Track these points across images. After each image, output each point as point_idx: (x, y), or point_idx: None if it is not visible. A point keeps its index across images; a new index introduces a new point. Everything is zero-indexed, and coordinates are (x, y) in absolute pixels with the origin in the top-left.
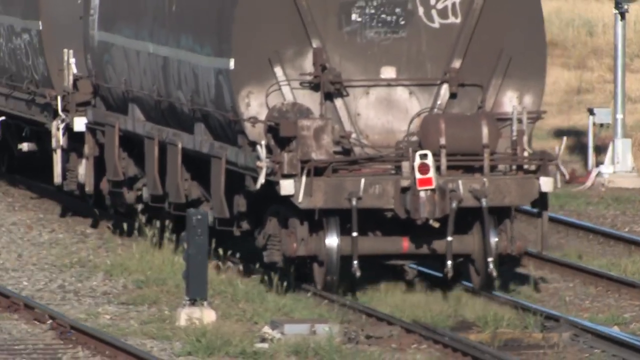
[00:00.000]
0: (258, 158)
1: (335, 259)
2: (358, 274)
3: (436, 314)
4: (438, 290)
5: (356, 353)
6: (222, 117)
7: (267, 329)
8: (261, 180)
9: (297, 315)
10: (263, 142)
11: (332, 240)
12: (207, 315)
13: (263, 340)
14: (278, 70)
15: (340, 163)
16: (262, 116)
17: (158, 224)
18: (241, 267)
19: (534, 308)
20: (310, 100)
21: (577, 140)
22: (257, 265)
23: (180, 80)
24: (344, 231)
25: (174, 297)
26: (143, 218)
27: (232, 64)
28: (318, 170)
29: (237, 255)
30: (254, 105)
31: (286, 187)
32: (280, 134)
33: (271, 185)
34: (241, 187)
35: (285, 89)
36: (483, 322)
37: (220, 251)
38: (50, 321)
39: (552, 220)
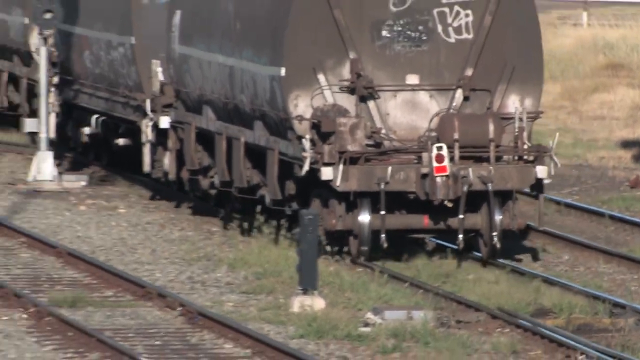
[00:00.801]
0: (303, 149)
1: (367, 233)
2: (385, 245)
3: (518, 301)
4: (519, 281)
5: (448, 336)
6: (276, 116)
7: (369, 315)
8: (306, 167)
9: (396, 303)
10: (308, 136)
11: (364, 217)
12: (317, 303)
13: (366, 325)
14: (321, 77)
15: (371, 154)
16: (308, 115)
17: (275, 222)
18: (347, 261)
19: (604, 297)
20: (348, 102)
21: None
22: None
23: (243, 85)
24: (374, 210)
25: (288, 287)
26: (261, 218)
27: (283, 71)
28: (353, 160)
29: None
30: (301, 106)
31: (326, 173)
32: (322, 130)
33: (314, 172)
34: (291, 174)
35: (327, 93)
36: (558, 309)
37: (329, 248)
38: (180, 308)
39: (618, 219)
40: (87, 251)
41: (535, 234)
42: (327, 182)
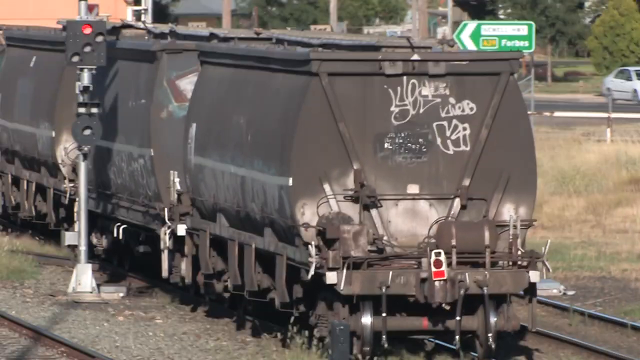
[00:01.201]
0: (310, 255)
1: (369, 334)
2: (386, 345)
3: None
4: None
5: None
6: (284, 223)
7: None
8: (312, 272)
9: None
10: (313, 243)
11: (367, 319)
12: None
13: None
14: (326, 187)
15: (373, 259)
16: (314, 222)
17: (307, 333)
18: None
19: None
20: (352, 210)
21: None
22: None
23: (254, 194)
24: (376, 312)
25: None
26: (294, 328)
27: (290, 181)
28: (356, 265)
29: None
30: (308, 214)
31: (331, 277)
32: (327, 236)
33: (320, 276)
34: (298, 278)
35: (332, 201)
36: None
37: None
38: None
39: None
40: None
41: (554, 343)
42: (332, 285)
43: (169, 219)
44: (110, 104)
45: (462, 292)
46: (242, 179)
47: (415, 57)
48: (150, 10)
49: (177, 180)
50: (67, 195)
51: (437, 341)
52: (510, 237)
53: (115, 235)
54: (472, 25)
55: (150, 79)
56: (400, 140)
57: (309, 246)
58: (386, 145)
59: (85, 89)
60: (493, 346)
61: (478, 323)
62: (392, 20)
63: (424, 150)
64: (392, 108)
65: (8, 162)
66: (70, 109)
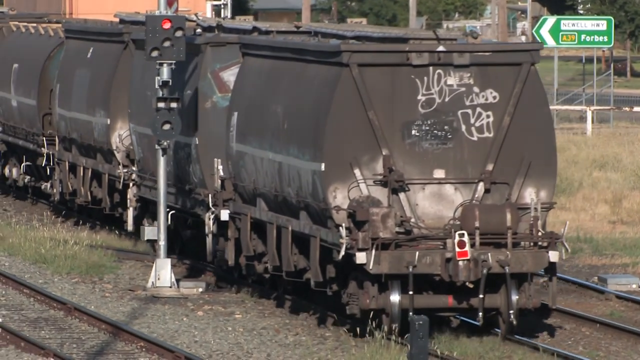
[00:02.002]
0: (341, 236)
1: (397, 311)
2: None
3: None
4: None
5: None
6: (317, 207)
7: None
8: (342, 252)
9: None
10: (344, 225)
11: (395, 297)
12: None
13: None
14: (357, 172)
15: (401, 240)
16: (345, 206)
17: (386, 328)
18: None
19: None
20: (381, 193)
21: None
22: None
23: (290, 179)
24: (404, 290)
25: None
26: (373, 323)
27: (323, 167)
28: (384, 245)
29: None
30: (339, 198)
31: (361, 257)
32: (357, 219)
33: (350, 257)
34: (331, 259)
35: (362, 186)
36: None
37: (439, 351)
38: None
39: None
40: (204, 355)
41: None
42: (362, 265)
43: (213, 205)
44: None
45: (484, 271)
46: (279, 165)
47: (441, 48)
48: (229, 5)
49: (220, 167)
50: (121, 180)
51: (462, 318)
52: (532, 219)
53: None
54: (551, 20)
55: (195, 71)
56: (427, 128)
57: (340, 228)
58: (413, 132)
59: (164, 84)
60: (515, 323)
61: (500, 301)
62: (472, 15)
63: (450, 136)
64: (419, 97)
65: (65, 150)
66: (124, 98)
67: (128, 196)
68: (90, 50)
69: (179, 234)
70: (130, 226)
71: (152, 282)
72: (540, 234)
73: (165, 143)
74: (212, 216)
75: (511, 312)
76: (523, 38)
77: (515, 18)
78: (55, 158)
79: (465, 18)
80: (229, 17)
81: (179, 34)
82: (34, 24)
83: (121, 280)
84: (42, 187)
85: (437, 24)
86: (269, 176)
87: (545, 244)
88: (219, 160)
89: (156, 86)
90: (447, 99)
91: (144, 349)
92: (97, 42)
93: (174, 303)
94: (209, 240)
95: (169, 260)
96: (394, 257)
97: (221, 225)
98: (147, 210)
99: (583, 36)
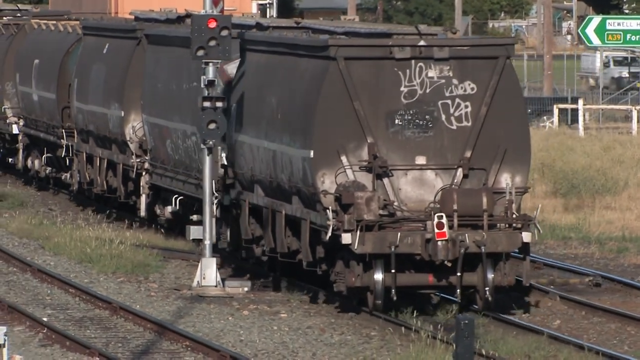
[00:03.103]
0: (328, 219)
1: (381, 289)
2: (395, 298)
3: None
4: None
5: None
6: (307, 191)
7: None
8: (329, 233)
9: None
10: (331, 208)
11: (378, 276)
12: None
13: None
14: (343, 158)
15: (384, 222)
16: (332, 190)
17: (431, 327)
18: None
19: None
20: (366, 179)
21: None
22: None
23: (283, 166)
24: (387, 269)
25: None
26: (418, 322)
27: (312, 154)
28: (368, 227)
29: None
30: (327, 182)
31: (346, 238)
32: (343, 202)
33: (337, 237)
34: (320, 240)
35: (348, 171)
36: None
37: (484, 351)
38: None
39: None
40: (250, 355)
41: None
42: (347, 245)
43: (216, 190)
44: (167, 86)
45: (462, 250)
46: (273, 153)
47: (422, 43)
48: (275, 5)
49: (223, 155)
50: (134, 169)
51: (442, 295)
52: (507, 202)
53: (173, 206)
54: (596, 19)
55: (201, 64)
56: (409, 117)
57: (327, 211)
58: (396, 121)
59: (210, 83)
60: (490, 299)
61: (477, 279)
62: (517, 14)
63: (430, 125)
64: (402, 88)
65: (83, 142)
66: (137, 91)
67: (141, 184)
68: (106, 46)
69: (186, 218)
70: (143, 212)
71: (198, 282)
72: (514, 216)
73: (210, 142)
74: (215, 201)
75: (487, 289)
76: (569, 37)
77: (561, 17)
78: (74, 149)
79: (510, 17)
80: (274, 16)
81: (224, 33)
82: (54, 22)
83: (167, 280)
84: (62, 177)
85: (483, 23)
86: (265, 164)
87: (519, 226)
88: (224, 148)
89: (202, 85)
90: (428, 90)
91: (189, 348)
92: (112, 38)
93: (219, 302)
94: (213, 224)
95: (214, 260)
96: (377, 237)
97: (224, 210)
98: (158, 196)
99: (628, 35)
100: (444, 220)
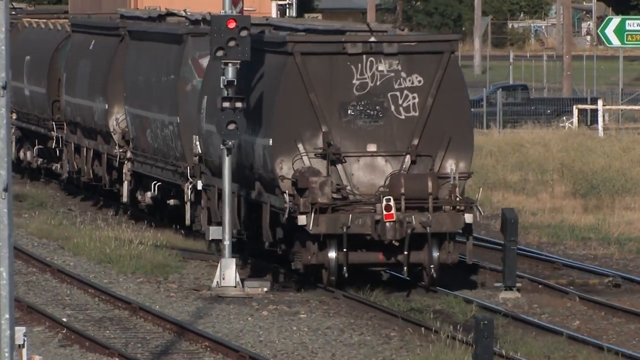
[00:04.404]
0: (285, 201)
1: (334, 266)
2: (346, 275)
3: None
4: None
5: None
6: (267, 177)
7: None
8: (286, 215)
9: None
10: (288, 192)
11: (332, 254)
12: None
13: None
14: (300, 146)
15: (336, 205)
16: (290, 175)
17: (451, 328)
18: None
19: None
20: (321, 165)
21: None
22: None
23: (247, 154)
24: (340, 248)
25: None
26: (437, 322)
27: (271, 142)
28: (322, 209)
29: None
30: (285, 169)
31: (301, 219)
32: (299, 186)
33: (293, 219)
34: (279, 222)
35: (305, 158)
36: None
37: (504, 351)
38: None
39: None
40: (269, 355)
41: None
42: (303, 226)
43: (191, 176)
44: (148, 79)
45: (409, 231)
46: (237, 142)
47: (373, 39)
48: (294, 5)
49: (197, 143)
50: (117, 159)
51: (391, 272)
52: (451, 186)
53: (152, 191)
54: (616, 20)
55: (177, 58)
56: (361, 108)
57: (285, 194)
58: (349, 111)
59: (229, 83)
60: (435, 276)
61: (424, 257)
62: (537, 15)
63: (381, 115)
64: (354, 81)
65: (72, 133)
66: (120, 85)
67: (123, 171)
68: (92, 43)
69: (164, 203)
70: (125, 198)
71: (217, 282)
72: (458, 199)
73: (230, 143)
74: (190, 186)
75: (432, 266)
76: (588, 38)
77: (580, 18)
78: (63, 140)
79: (530, 18)
80: (294, 16)
81: (244, 33)
82: (44, 20)
83: (186, 280)
84: (53, 168)
85: (502, 23)
86: (232, 152)
87: (462, 208)
88: (197, 137)
89: (221, 86)
90: (378, 83)
91: (208, 349)
92: (98, 35)
93: (238, 303)
94: (187, 207)
95: (233, 260)
96: (330, 219)
97: (198, 194)
98: (140, 183)
99: None
100: (392, 203)
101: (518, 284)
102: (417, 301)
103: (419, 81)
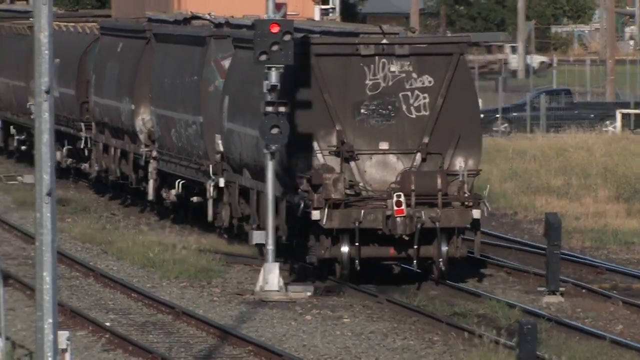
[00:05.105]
0: (300, 197)
1: (347, 260)
2: (358, 268)
3: None
4: None
5: None
6: (284, 173)
7: None
8: (301, 211)
9: None
10: (302, 187)
11: (345, 248)
12: None
13: None
14: (315, 144)
15: (349, 200)
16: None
17: (495, 332)
18: None
19: None
20: (335, 162)
21: None
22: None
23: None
24: (352, 242)
25: None
26: (481, 327)
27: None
28: (335, 205)
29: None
30: (300, 166)
31: (315, 214)
32: (313, 183)
33: (308, 214)
34: (295, 217)
35: (319, 155)
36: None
37: (547, 355)
38: None
39: None
40: (312, 359)
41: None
42: (317, 221)
43: (213, 174)
44: (172, 80)
45: (418, 226)
46: (257, 140)
47: (385, 41)
48: (337, 9)
49: (219, 142)
50: (144, 158)
51: (403, 265)
52: (460, 183)
53: (176, 189)
54: None
55: (200, 60)
56: (373, 107)
57: (299, 190)
58: (362, 111)
59: (272, 88)
60: (444, 269)
61: (433, 251)
62: (580, 19)
63: (392, 115)
64: (367, 81)
65: (100, 133)
66: (146, 86)
67: (149, 170)
68: (120, 45)
69: (188, 201)
70: (150, 196)
71: (260, 286)
72: (466, 195)
73: (273, 147)
74: (212, 183)
75: (441, 260)
76: (631, 42)
77: (624, 22)
78: (92, 140)
79: (573, 22)
80: (337, 21)
81: (287, 37)
82: (73, 24)
83: (229, 284)
84: (82, 167)
85: (546, 28)
86: (250, 149)
87: (470, 204)
88: (219, 136)
89: (264, 90)
90: (390, 83)
91: (252, 353)
92: (126, 37)
93: (282, 307)
94: (209, 204)
95: (277, 264)
96: (343, 214)
97: (220, 192)
98: (165, 181)
99: None
100: (402, 198)
101: (561, 289)
102: (460, 305)
103: (430, 82)
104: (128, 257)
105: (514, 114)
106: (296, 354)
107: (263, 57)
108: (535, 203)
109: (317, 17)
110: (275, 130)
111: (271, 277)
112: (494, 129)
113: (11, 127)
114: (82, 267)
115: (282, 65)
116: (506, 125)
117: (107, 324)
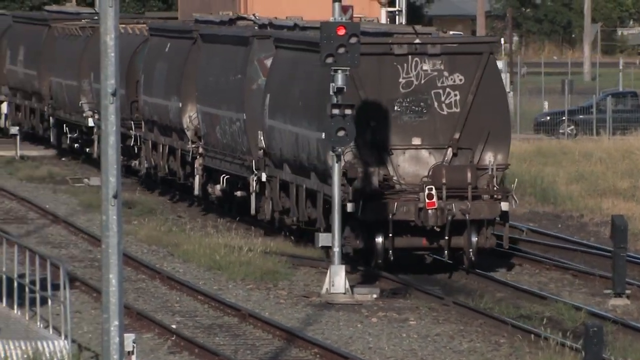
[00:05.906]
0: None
1: (381, 250)
2: (392, 258)
3: None
4: None
5: None
6: (321, 168)
7: None
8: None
9: None
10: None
11: (379, 239)
12: None
13: None
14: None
15: (384, 193)
16: (341, 167)
17: (561, 334)
18: None
19: None
20: (370, 156)
21: None
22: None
23: (303, 147)
24: (386, 234)
25: None
26: (547, 329)
27: (324, 135)
28: (370, 197)
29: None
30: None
31: (351, 207)
32: (348, 176)
33: (343, 207)
34: (331, 209)
35: (355, 150)
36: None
37: (613, 358)
38: None
39: None
40: None
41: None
42: (353, 213)
43: (255, 169)
44: (217, 78)
45: (449, 218)
46: (296, 136)
47: (418, 40)
48: (404, 12)
49: (261, 138)
50: (190, 154)
51: (434, 256)
52: (489, 177)
53: (221, 184)
54: None
55: (244, 59)
56: (407, 104)
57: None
58: (396, 107)
59: (339, 90)
60: (474, 259)
61: (463, 242)
62: None
63: (425, 111)
64: (400, 79)
65: (149, 131)
66: (193, 85)
67: (195, 166)
68: (168, 46)
69: (232, 195)
70: (197, 191)
71: (327, 289)
72: (495, 188)
73: (339, 150)
74: (255, 178)
75: (471, 250)
76: None
77: None
78: (141, 138)
79: (639, 25)
80: (403, 23)
81: (353, 40)
82: (123, 25)
83: (295, 287)
84: (132, 164)
85: (612, 30)
86: (290, 145)
87: (499, 197)
88: (261, 132)
89: (331, 92)
90: (422, 81)
91: (318, 356)
92: (173, 38)
93: (348, 309)
94: (252, 198)
95: (343, 267)
96: (378, 206)
97: (262, 186)
98: (210, 177)
99: None
100: (434, 192)
101: (628, 291)
102: (526, 308)
103: (460, 80)
104: (194, 259)
105: (580, 116)
106: (362, 356)
107: (329, 60)
108: (601, 205)
109: (383, 19)
110: (341, 133)
111: (337, 279)
112: (560, 131)
113: (64, 125)
114: (148, 270)
115: (348, 68)
116: (572, 127)
117: (173, 326)
